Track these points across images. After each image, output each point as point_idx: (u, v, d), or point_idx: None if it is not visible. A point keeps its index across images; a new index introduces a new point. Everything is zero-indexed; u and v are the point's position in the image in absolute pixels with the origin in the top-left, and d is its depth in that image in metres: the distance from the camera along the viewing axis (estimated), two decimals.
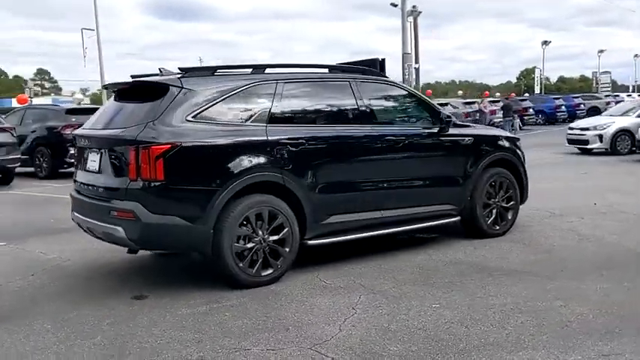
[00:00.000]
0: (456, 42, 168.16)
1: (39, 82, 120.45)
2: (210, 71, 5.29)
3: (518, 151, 7.01)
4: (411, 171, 6.08)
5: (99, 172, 5.17)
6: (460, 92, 65.55)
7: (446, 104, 29.45)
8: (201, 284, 5.16)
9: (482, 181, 6.55)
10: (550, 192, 9.62)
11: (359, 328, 4.12)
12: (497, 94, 49.99)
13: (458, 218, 6.47)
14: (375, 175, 5.80)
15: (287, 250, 5.22)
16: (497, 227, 6.70)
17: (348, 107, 5.82)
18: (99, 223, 5.06)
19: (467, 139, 6.48)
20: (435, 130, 6.25)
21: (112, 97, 5.69)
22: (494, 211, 6.68)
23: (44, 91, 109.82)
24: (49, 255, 6.47)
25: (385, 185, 5.86)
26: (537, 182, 8.35)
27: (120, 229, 4.82)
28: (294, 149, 5.26)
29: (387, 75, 6.43)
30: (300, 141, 5.31)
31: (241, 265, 4.97)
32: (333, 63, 6.31)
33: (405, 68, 37.65)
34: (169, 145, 4.74)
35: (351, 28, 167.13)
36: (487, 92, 49.90)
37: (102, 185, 5.08)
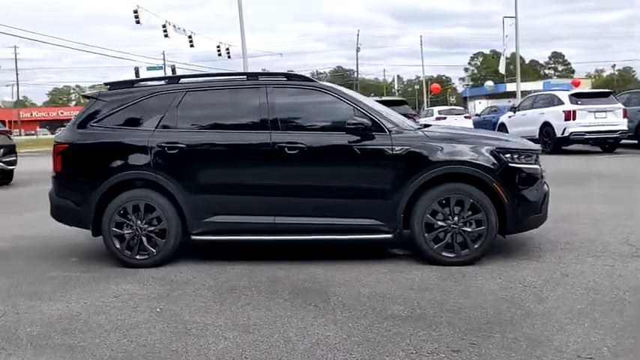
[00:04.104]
0: None
1: (552, 65, 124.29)
2: (130, 84, 6.35)
3: (498, 164, 5.65)
4: (313, 179, 5.82)
5: None
6: None
7: None
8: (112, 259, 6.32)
9: (424, 198, 5.66)
10: None
11: (70, 308, 4.84)
12: None
13: (390, 235, 5.79)
14: (266, 181, 5.85)
15: (163, 240, 5.96)
16: (452, 254, 5.66)
17: (253, 113, 5.98)
18: None
19: (397, 148, 5.69)
20: (352, 138, 5.75)
21: None
22: (447, 234, 5.67)
23: (557, 74, 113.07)
24: None
25: (278, 192, 5.83)
26: None
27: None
28: (171, 152, 5.91)
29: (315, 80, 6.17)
30: (179, 145, 5.90)
31: (119, 246, 6.00)
32: None
33: None
34: (67, 145, 6.14)
35: None
36: None
37: None
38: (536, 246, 6.33)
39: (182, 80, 6.29)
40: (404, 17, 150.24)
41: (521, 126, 18.82)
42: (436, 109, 30.47)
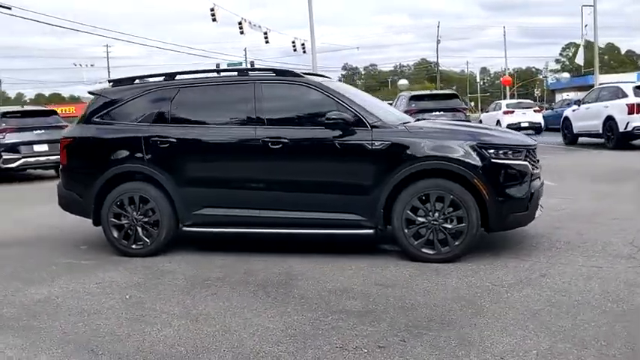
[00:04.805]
0: None
1: None
2: (131, 81, 6.61)
3: (480, 160, 5.50)
4: (296, 174, 5.88)
5: None
6: None
7: None
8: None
9: (404, 193, 5.61)
10: None
11: (52, 293, 5.17)
12: None
13: (371, 231, 5.78)
14: (251, 175, 5.97)
15: (157, 231, 6.20)
16: (433, 251, 5.58)
17: (241, 109, 6.11)
18: None
19: (377, 143, 5.66)
20: (333, 133, 5.76)
21: None
22: (428, 230, 5.60)
23: None
24: None
25: (263, 186, 5.94)
26: None
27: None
28: (163, 146, 6.13)
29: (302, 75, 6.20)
30: (170, 139, 6.12)
31: (116, 236, 6.30)
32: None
33: None
34: (70, 139, 6.50)
35: None
36: None
37: None
38: (533, 245, 6.12)
39: (178, 77, 6.48)
40: (492, 7, 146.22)
41: (585, 120, 17.98)
42: (504, 102, 29.57)
